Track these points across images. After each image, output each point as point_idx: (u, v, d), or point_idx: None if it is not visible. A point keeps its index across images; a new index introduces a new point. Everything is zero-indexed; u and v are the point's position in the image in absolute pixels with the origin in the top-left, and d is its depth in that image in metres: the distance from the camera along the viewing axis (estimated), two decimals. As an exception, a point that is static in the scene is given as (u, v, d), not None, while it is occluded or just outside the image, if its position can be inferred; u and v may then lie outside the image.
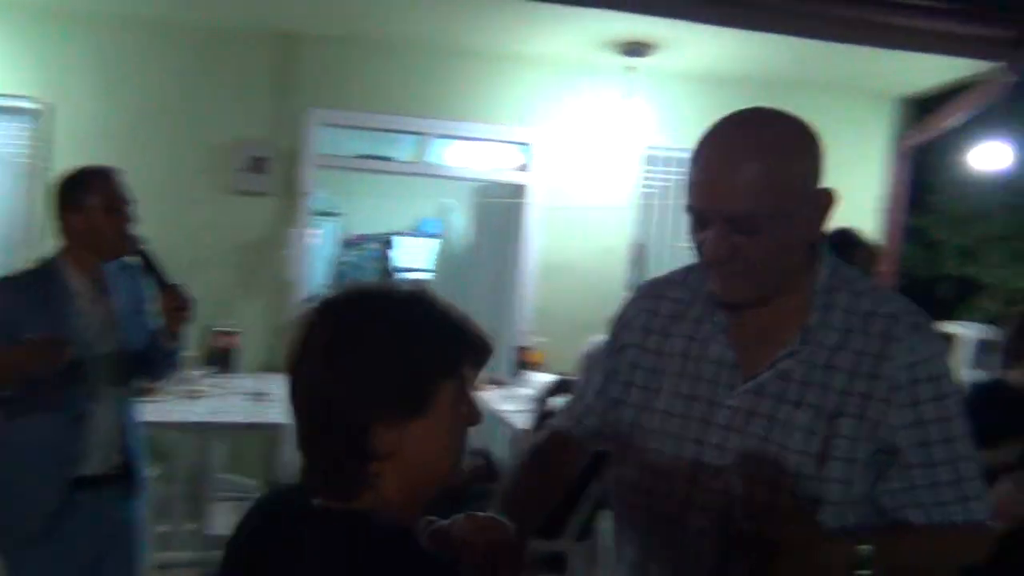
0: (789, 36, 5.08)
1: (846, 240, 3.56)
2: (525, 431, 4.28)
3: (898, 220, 6.53)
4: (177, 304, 2.50)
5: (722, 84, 6.04)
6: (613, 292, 6.03)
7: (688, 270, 1.43)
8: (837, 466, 1.20)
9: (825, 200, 1.28)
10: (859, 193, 6.36)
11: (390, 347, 1.03)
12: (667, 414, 1.33)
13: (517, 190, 6.00)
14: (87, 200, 2.47)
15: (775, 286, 1.27)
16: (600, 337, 1.64)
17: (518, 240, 5.99)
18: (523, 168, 5.96)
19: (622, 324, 1.46)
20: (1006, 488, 2.42)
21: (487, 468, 4.48)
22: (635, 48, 5.45)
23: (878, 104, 6.38)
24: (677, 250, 6.29)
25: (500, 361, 6.00)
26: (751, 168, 1.19)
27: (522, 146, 5.95)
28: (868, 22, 5.03)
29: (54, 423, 2.43)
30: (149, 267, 2.53)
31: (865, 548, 1.17)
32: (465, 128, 5.83)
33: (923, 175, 6.93)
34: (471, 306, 4.81)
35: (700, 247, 1.27)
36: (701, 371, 1.32)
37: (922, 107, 6.42)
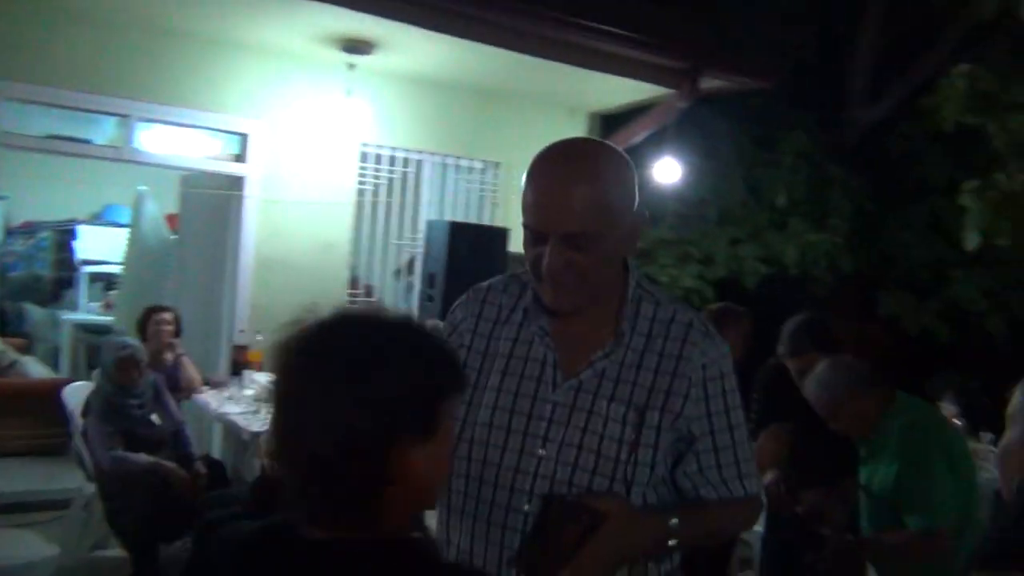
0: (500, 48, 5.40)
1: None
2: (257, 435, 4.16)
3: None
4: None
5: (437, 88, 6.30)
6: (332, 288, 6.05)
7: (509, 278, 1.57)
8: (645, 452, 1.39)
9: (640, 221, 1.45)
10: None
11: (410, 369, 1.04)
12: (495, 409, 1.44)
13: (231, 181, 5.78)
14: None
15: (597, 296, 1.43)
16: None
17: (232, 233, 5.77)
18: (239, 159, 5.76)
19: (451, 327, 1.56)
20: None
21: (216, 474, 4.30)
22: (356, 46, 5.51)
23: (574, 118, 7.00)
24: (391, 246, 6.47)
25: (217, 361, 5.75)
26: (584, 192, 1.33)
27: (239, 136, 5.74)
28: (567, 43, 5.48)
29: None
30: None
31: (673, 521, 1.37)
32: (175, 114, 5.51)
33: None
34: (177, 302, 4.63)
35: (535, 261, 1.39)
36: (525, 370, 1.45)
37: (611, 123, 7.16)
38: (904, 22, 9.00)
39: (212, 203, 5.91)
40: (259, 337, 5.50)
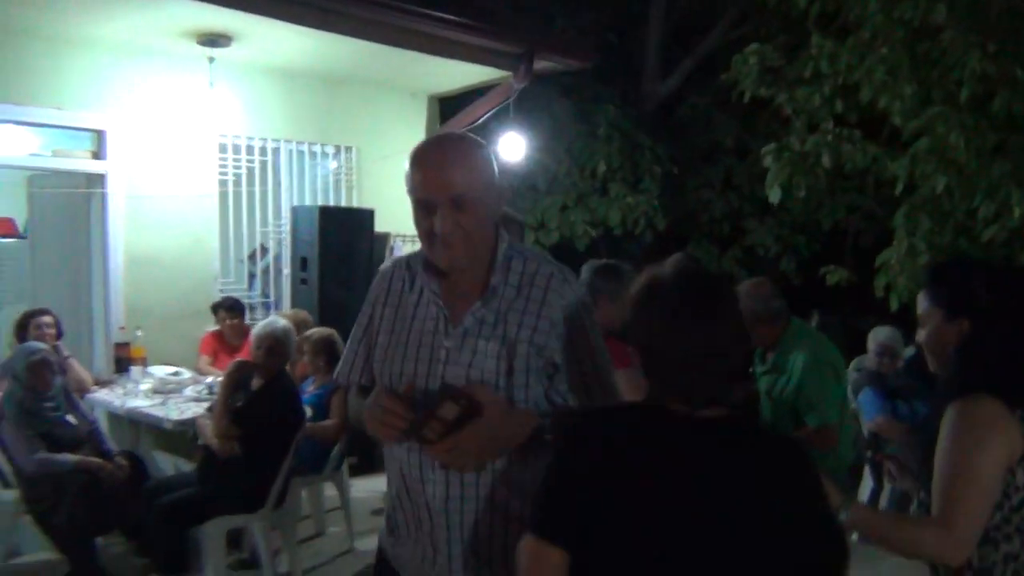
0: (350, 38, 5.64)
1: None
2: (199, 418, 4.28)
3: (436, 200, 7.67)
4: None
5: (291, 77, 6.48)
6: (204, 280, 6.14)
7: (409, 257, 1.92)
8: (519, 376, 1.72)
9: (505, 191, 1.85)
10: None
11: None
12: (404, 358, 1.79)
13: (90, 179, 5.70)
14: None
15: (477, 253, 1.75)
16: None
17: (96, 232, 5.71)
18: (97, 156, 5.68)
19: (371, 299, 1.91)
20: None
21: (136, 467, 4.41)
22: (213, 39, 5.59)
23: (416, 101, 7.39)
24: (256, 234, 6.60)
25: (92, 360, 5.70)
26: (460, 163, 1.72)
27: (95, 133, 5.66)
28: (413, 31, 5.82)
29: None
30: None
31: (545, 419, 1.72)
32: (23, 113, 5.36)
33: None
34: (35, 304, 4.74)
35: (429, 229, 1.72)
36: (425, 326, 1.79)
37: (449, 104, 7.62)
38: (687, 4, 10.10)
39: (68, 202, 5.79)
40: (139, 333, 5.54)
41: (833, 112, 6.14)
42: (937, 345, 1.88)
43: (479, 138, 1.80)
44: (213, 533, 3.86)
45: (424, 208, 1.73)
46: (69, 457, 4.14)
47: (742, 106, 9.64)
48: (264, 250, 6.76)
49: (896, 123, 5.58)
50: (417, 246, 1.86)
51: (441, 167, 1.72)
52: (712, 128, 9.80)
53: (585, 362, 1.79)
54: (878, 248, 7.77)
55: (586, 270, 3.42)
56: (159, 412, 4.54)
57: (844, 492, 1.75)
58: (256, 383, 4.10)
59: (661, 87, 10.26)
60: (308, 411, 4.40)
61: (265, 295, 6.71)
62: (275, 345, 4.04)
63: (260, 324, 4.22)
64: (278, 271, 6.73)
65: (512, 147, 7.22)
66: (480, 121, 7.14)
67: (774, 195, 6.48)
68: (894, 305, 6.02)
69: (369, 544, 4.76)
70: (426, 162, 1.75)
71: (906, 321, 6.93)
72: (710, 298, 1.47)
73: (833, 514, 1.56)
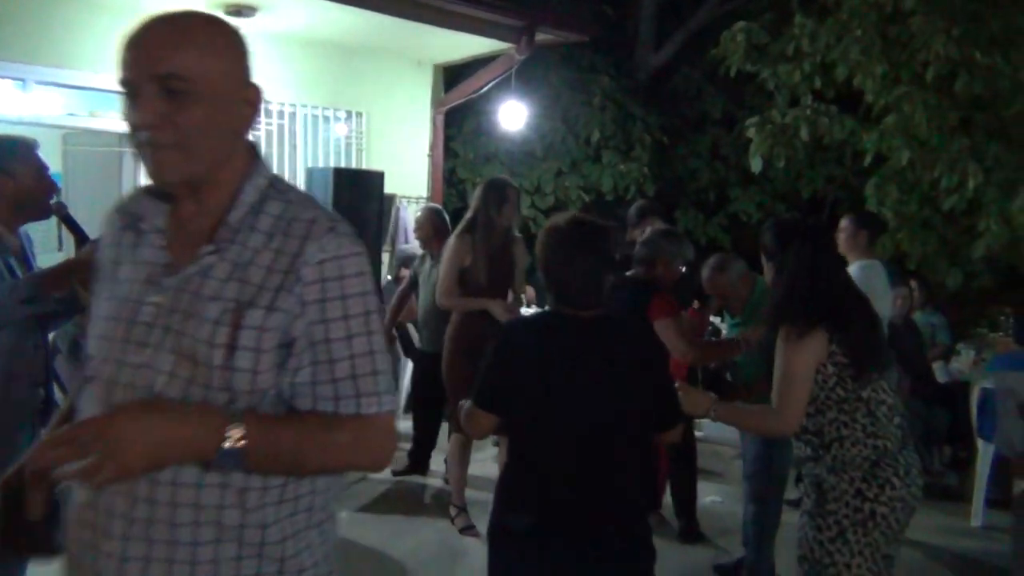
0: (362, 9, 6.04)
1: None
2: None
3: (439, 164, 8.12)
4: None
5: (310, 45, 6.89)
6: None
7: (142, 191, 1.41)
8: (244, 357, 1.22)
9: (254, 96, 1.34)
10: (412, 142, 7.78)
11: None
12: (104, 319, 1.32)
13: (122, 138, 6.11)
14: (17, 167, 2.60)
15: (204, 169, 1.28)
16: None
17: (129, 189, 6.13)
18: (130, 117, 6.08)
19: (97, 248, 1.47)
20: None
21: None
22: (239, 9, 5.99)
23: (423, 70, 7.80)
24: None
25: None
26: (183, 38, 1.25)
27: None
28: (420, 3, 6.22)
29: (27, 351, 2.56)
30: (70, 225, 2.75)
31: (234, 431, 1.17)
32: (57, 75, 5.76)
33: (448, 127, 8.62)
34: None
35: (134, 126, 1.25)
36: (137, 273, 1.32)
37: (454, 74, 8.04)
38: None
39: (102, 160, 6.21)
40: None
41: (812, 88, 6.61)
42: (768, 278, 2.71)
43: (228, 23, 1.37)
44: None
45: (126, 92, 1.24)
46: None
47: (730, 79, 10.14)
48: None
49: (869, 100, 6.07)
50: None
51: (146, 35, 1.25)
52: (701, 100, 10.25)
53: (339, 347, 1.27)
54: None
55: (651, 233, 3.99)
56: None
57: (710, 397, 2.50)
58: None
59: (653, 58, 10.68)
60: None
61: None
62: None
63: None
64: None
65: (512, 115, 7.68)
66: (483, 90, 7.58)
67: (756, 164, 6.96)
68: (862, 268, 6.54)
69: (380, 474, 5.32)
70: (136, 35, 1.26)
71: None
72: (592, 238, 2.19)
73: (672, 385, 2.32)
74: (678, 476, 4.53)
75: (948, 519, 4.91)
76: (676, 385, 2.36)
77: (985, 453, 4.88)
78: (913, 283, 6.32)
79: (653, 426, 2.24)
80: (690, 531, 4.50)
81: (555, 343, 2.17)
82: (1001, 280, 6.79)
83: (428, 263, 5.18)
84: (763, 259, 2.70)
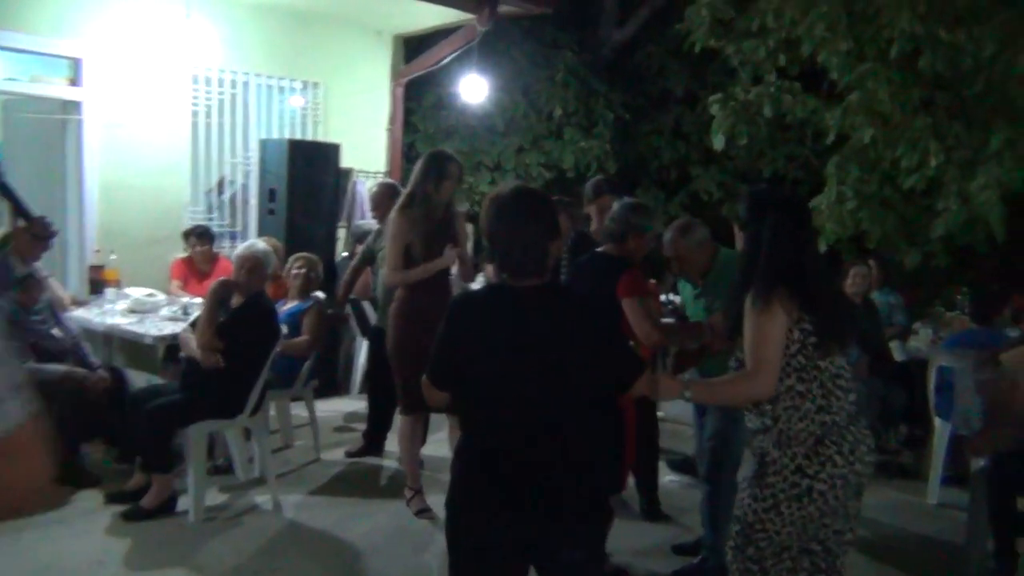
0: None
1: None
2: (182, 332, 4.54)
3: (398, 138, 7.95)
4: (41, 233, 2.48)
5: (266, 11, 6.67)
6: (176, 208, 6.37)
7: None
8: None
9: None
10: (371, 115, 7.60)
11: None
12: None
13: (64, 105, 5.87)
14: None
15: None
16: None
17: (72, 158, 5.90)
18: (74, 83, 5.84)
19: None
20: None
21: (117, 382, 4.70)
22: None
23: (383, 40, 7.61)
24: (226, 164, 6.82)
25: (66, 281, 5.93)
26: None
27: (71, 60, 5.81)
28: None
29: None
30: (7, 194, 2.59)
31: None
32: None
33: (408, 100, 8.43)
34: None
35: None
36: None
37: (414, 45, 7.85)
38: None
39: (43, 127, 5.95)
40: (112, 256, 5.78)
41: (776, 65, 6.54)
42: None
43: None
44: (196, 435, 4.20)
45: None
46: (57, 367, 4.43)
47: (693, 57, 10.04)
48: (222, 185, 6.89)
49: (833, 77, 6.01)
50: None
51: None
52: (664, 77, 10.16)
53: None
54: (813, 196, 8.27)
55: (618, 208, 3.83)
56: (138, 329, 4.84)
57: (680, 381, 2.55)
58: (236, 301, 4.40)
59: (617, 34, 10.56)
60: (283, 329, 4.74)
61: (229, 224, 6.92)
62: (256, 266, 4.35)
63: (242, 246, 4.52)
64: (245, 201, 6.97)
65: (474, 89, 7.52)
66: (445, 62, 7.41)
67: (718, 142, 6.88)
68: (821, 248, 6.51)
69: (334, 456, 5.20)
70: None
71: (830, 260, 7.46)
72: (534, 207, 2.22)
73: (623, 344, 2.42)
74: (640, 454, 4.48)
75: (904, 497, 4.94)
76: (647, 375, 2.34)
77: (941, 431, 4.89)
78: (871, 262, 6.32)
79: (611, 388, 2.29)
80: (651, 510, 4.48)
81: (497, 315, 2.20)
82: (957, 260, 6.82)
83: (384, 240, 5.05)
84: (736, 229, 2.71)
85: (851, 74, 5.59)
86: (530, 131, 9.56)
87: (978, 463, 3.92)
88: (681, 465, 5.15)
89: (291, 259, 5.28)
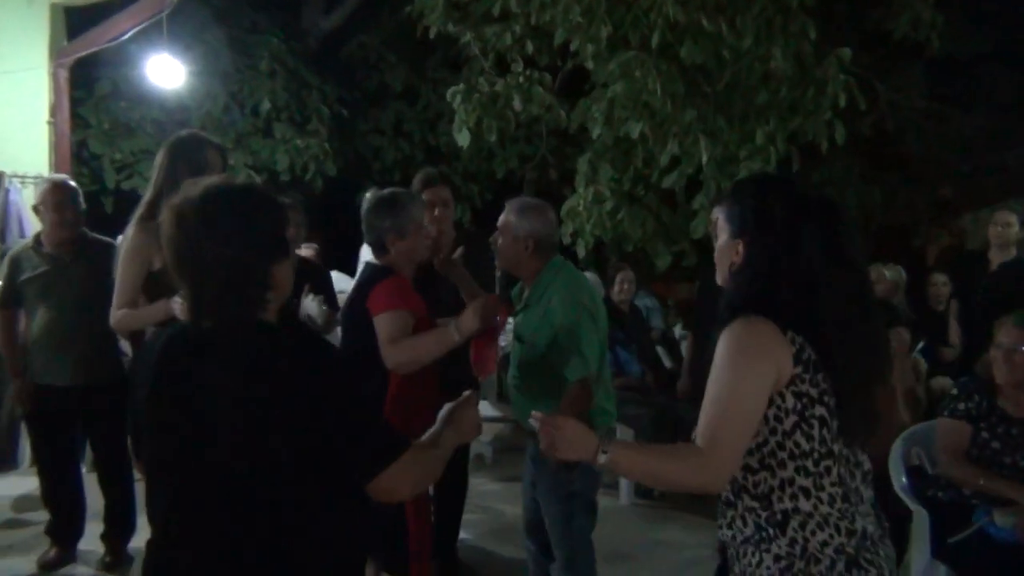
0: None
1: None
2: None
3: (64, 133, 6.30)
4: None
5: None
6: None
7: None
8: None
9: None
10: (24, 104, 5.93)
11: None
12: None
13: None
14: None
15: None
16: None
17: None
18: None
19: None
20: None
21: None
22: None
23: (36, 9, 5.96)
24: None
25: None
26: None
27: None
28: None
29: None
30: None
31: None
32: None
33: (75, 88, 6.78)
34: None
35: None
36: None
37: (81, 16, 6.26)
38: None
39: None
40: None
41: (524, 53, 5.96)
42: (722, 260, 1.81)
43: None
44: None
45: None
46: None
47: (412, 49, 9.31)
48: None
49: (588, 67, 5.53)
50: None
51: None
52: (380, 70, 9.30)
53: None
54: (550, 196, 7.87)
55: (363, 212, 2.95)
56: None
57: (602, 435, 1.70)
58: None
59: (324, 22, 9.51)
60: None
61: None
62: None
63: None
64: None
65: (166, 73, 6.13)
66: (125, 37, 5.95)
67: (463, 138, 6.18)
68: (582, 252, 6.07)
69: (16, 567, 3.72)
70: None
71: (597, 266, 7.09)
72: (239, 213, 1.58)
73: (358, 409, 1.64)
74: (441, 508, 3.64)
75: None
76: (557, 422, 1.67)
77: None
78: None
79: (348, 472, 1.61)
80: (447, 573, 3.67)
81: (173, 369, 1.62)
82: (708, 259, 6.73)
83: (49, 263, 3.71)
84: (716, 232, 1.87)
85: (614, 63, 5.11)
86: (232, 128, 8.24)
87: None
88: None
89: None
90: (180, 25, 6.95)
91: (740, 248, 1.77)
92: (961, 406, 3.13)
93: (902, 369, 4.04)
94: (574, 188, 6.35)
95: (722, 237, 1.83)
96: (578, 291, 2.91)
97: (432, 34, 6.43)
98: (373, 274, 2.94)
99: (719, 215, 1.86)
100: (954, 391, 3.23)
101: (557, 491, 2.82)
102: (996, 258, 5.04)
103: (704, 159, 5.04)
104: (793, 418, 1.63)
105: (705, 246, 6.48)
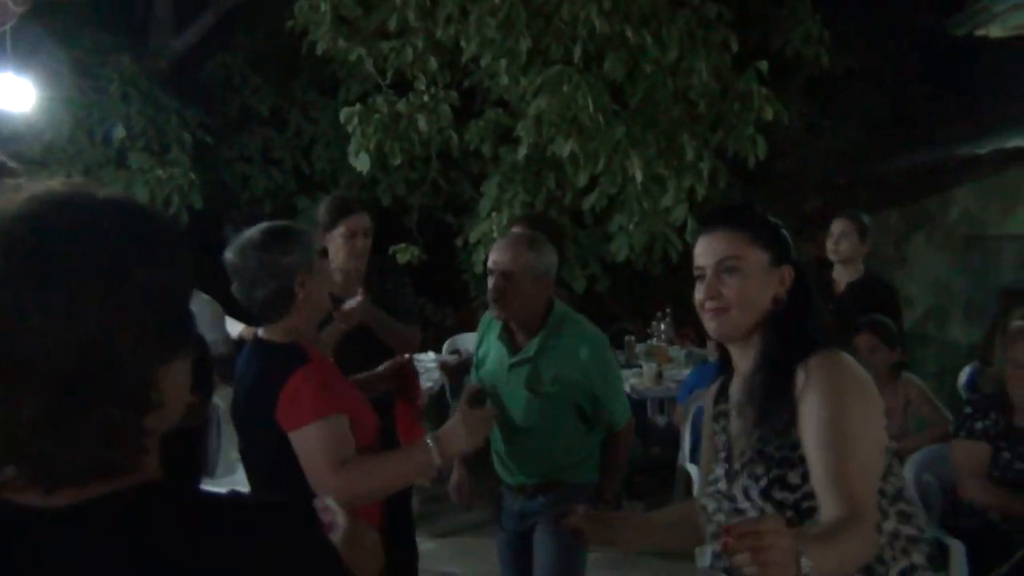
0: None
1: None
2: None
3: None
4: None
5: None
6: None
7: None
8: None
9: None
10: None
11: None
12: None
13: None
14: None
15: None
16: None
17: None
18: None
19: None
20: None
21: None
22: None
23: None
24: None
25: None
26: None
27: None
28: None
29: None
30: None
31: None
32: None
33: None
34: None
35: None
36: None
37: None
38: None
39: None
40: None
41: (427, 70, 5.55)
42: (759, 291, 1.66)
43: None
44: None
45: None
46: None
47: (278, 70, 8.65)
48: None
49: (503, 83, 5.18)
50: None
51: None
52: (242, 94, 8.58)
53: None
54: (441, 225, 7.50)
55: (238, 252, 2.18)
56: None
57: (793, 540, 1.26)
58: None
59: (176, 42, 8.68)
60: None
61: None
62: None
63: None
64: None
65: (14, 95, 5.28)
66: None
67: (361, 163, 5.71)
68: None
69: None
70: None
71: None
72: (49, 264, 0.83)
73: None
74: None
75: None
76: (761, 536, 1.22)
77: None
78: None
79: None
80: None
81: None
82: (622, 283, 6.52)
83: None
84: (733, 247, 1.71)
85: (540, 78, 4.79)
86: (80, 158, 7.31)
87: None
88: None
89: None
90: (25, 43, 6.07)
91: (787, 275, 1.67)
92: (978, 425, 2.98)
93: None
94: (465, 214, 6.02)
95: (750, 267, 1.66)
96: (592, 326, 2.70)
97: (319, 51, 5.92)
98: (273, 364, 2.07)
99: (736, 245, 1.67)
100: (967, 409, 3.08)
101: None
102: (841, 278, 4.40)
103: (638, 176, 4.79)
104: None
105: (620, 270, 6.27)
